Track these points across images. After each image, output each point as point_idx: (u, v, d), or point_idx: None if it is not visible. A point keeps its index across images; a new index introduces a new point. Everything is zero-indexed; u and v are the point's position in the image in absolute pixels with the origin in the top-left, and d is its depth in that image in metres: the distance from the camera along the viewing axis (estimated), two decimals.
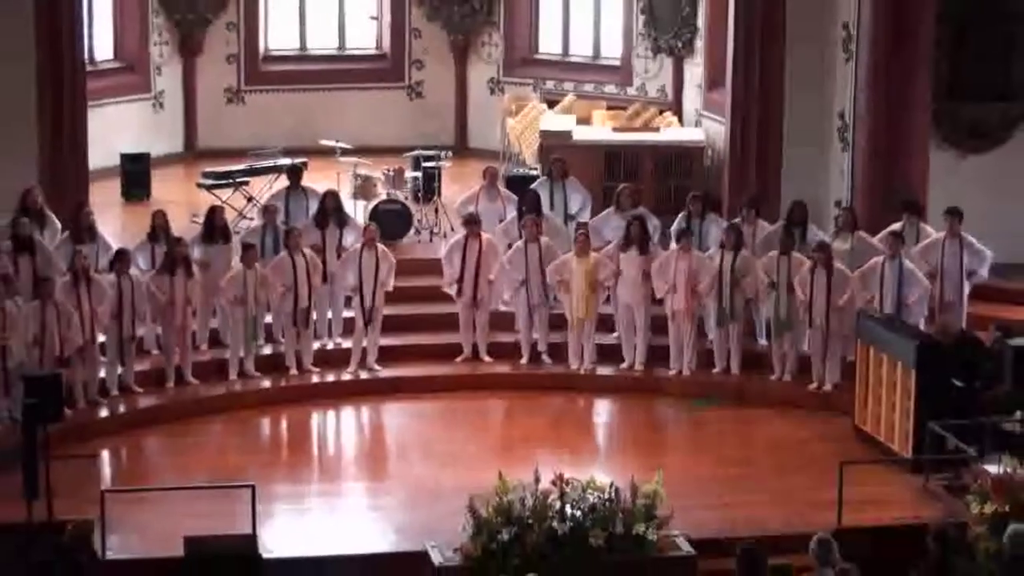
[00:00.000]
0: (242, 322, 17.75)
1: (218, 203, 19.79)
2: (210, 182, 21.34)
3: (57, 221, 18.26)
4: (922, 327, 17.25)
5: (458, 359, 18.48)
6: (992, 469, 14.41)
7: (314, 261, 18.10)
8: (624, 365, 18.40)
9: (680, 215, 18.87)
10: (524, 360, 18.48)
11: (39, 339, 16.43)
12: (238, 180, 21.32)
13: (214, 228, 18.34)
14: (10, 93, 18.41)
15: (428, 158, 21.54)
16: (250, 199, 20.95)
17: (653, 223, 18.92)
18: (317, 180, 20.29)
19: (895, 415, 16.17)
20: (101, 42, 23.50)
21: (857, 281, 17.54)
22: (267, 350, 18.28)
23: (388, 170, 20.88)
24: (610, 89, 23.88)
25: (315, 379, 18.08)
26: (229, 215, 19.72)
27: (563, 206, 19.52)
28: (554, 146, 21.10)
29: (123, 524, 14.14)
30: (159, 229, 18.11)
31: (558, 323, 18.55)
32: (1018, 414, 15.47)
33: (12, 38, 18.51)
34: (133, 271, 17.50)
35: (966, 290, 17.97)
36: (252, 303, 17.70)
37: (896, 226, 17.93)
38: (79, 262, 16.94)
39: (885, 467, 15.83)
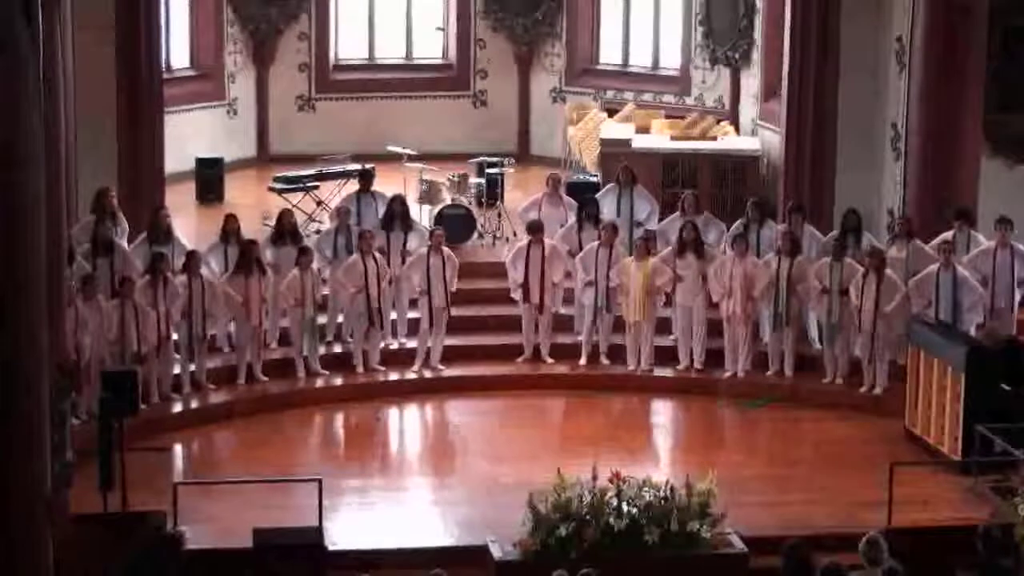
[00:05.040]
0: (300, 323, 18.04)
1: (288, 207, 20.00)
2: (281, 186, 21.53)
3: (125, 222, 18.50)
4: (973, 333, 17.30)
5: (519, 359, 18.63)
6: None
7: (382, 264, 18.33)
8: (681, 366, 18.50)
9: (738, 221, 18.90)
10: (583, 361, 18.61)
11: (118, 337, 16.76)
12: (308, 184, 21.51)
13: (283, 231, 18.56)
14: (92, 100, 18.62)
15: (492, 164, 21.66)
16: (319, 203, 21.14)
17: (719, 228, 19.05)
18: (384, 185, 20.38)
19: (944, 418, 16.25)
20: (178, 51, 23.68)
21: (913, 288, 17.57)
22: (336, 348, 18.54)
23: (453, 176, 20.97)
24: (668, 99, 23.90)
25: (381, 377, 18.27)
26: (299, 218, 19.92)
27: (630, 213, 19.59)
28: (614, 154, 21.22)
29: (194, 515, 14.31)
30: (230, 232, 18.35)
31: (617, 325, 18.66)
32: None
33: (94, 48, 18.76)
34: (205, 272, 17.77)
35: (1016, 297, 17.96)
36: (309, 305, 17.97)
37: (948, 234, 17.94)
38: (163, 264, 17.25)
39: (934, 468, 15.90)
